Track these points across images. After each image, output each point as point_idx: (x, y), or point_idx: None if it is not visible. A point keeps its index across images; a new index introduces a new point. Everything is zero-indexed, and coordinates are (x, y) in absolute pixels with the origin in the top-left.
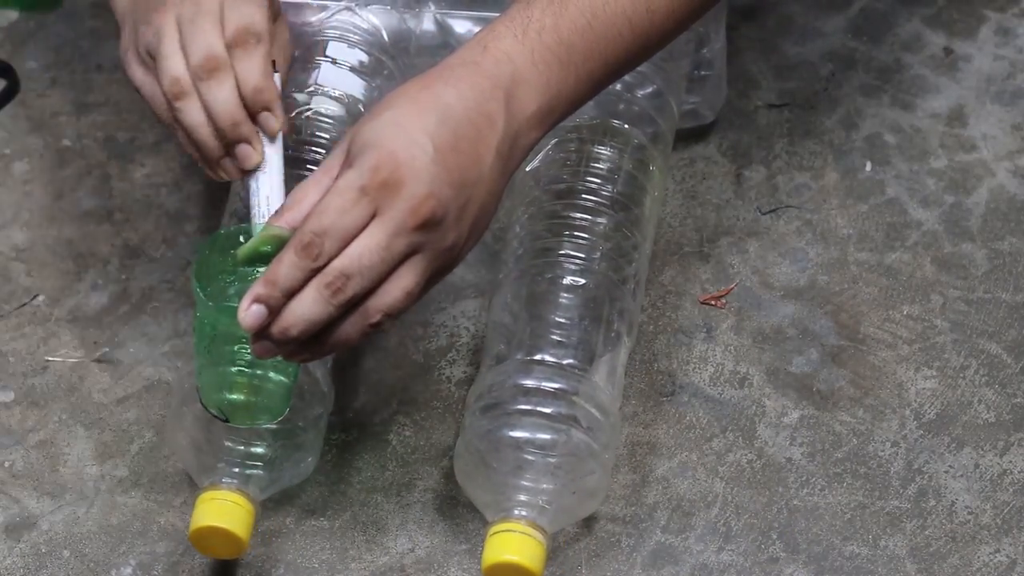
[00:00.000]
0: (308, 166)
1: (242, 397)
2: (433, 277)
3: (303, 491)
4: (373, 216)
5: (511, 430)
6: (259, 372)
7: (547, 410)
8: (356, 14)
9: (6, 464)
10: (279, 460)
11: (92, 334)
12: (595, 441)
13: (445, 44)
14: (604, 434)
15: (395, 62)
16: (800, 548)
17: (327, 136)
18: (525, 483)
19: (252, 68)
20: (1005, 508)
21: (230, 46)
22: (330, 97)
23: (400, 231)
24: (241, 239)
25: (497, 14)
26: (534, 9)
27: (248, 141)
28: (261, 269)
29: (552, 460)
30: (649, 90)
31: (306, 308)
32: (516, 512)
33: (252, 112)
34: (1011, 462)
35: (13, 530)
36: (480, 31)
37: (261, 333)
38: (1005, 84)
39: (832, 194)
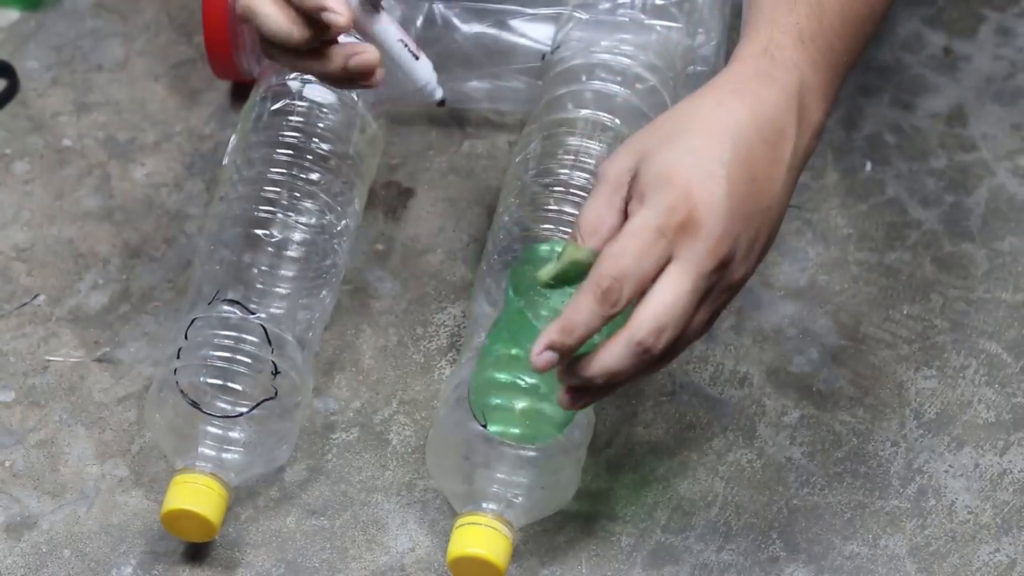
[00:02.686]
0: (300, 153)
1: (514, 428)
2: (717, 312)
3: (304, 490)
4: (669, 258)
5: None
6: (536, 406)
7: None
8: None
9: (7, 464)
10: (254, 445)
11: (93, 334)
12: (568, 437)
13: (447, 38)
14: (578, 431)
15: None
16: (800, 547)
17: (321, 125)
18: (496, 476)
19: None
20: (1005, 507)
21: None
22: (323, 85)
23: (701, 275)
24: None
25: (499, 7)
26: (799, 15)
27: (323, 9)
28: (570, 290)
29: (524, 454)
30: (644, 87)
31: (614, 361)
32: (484, 505)
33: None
34: (1011, 461)
35: (14, 529)
36: (750, 37)
37: (569, 377)
38: (1005, 84)
39: (832, 194)
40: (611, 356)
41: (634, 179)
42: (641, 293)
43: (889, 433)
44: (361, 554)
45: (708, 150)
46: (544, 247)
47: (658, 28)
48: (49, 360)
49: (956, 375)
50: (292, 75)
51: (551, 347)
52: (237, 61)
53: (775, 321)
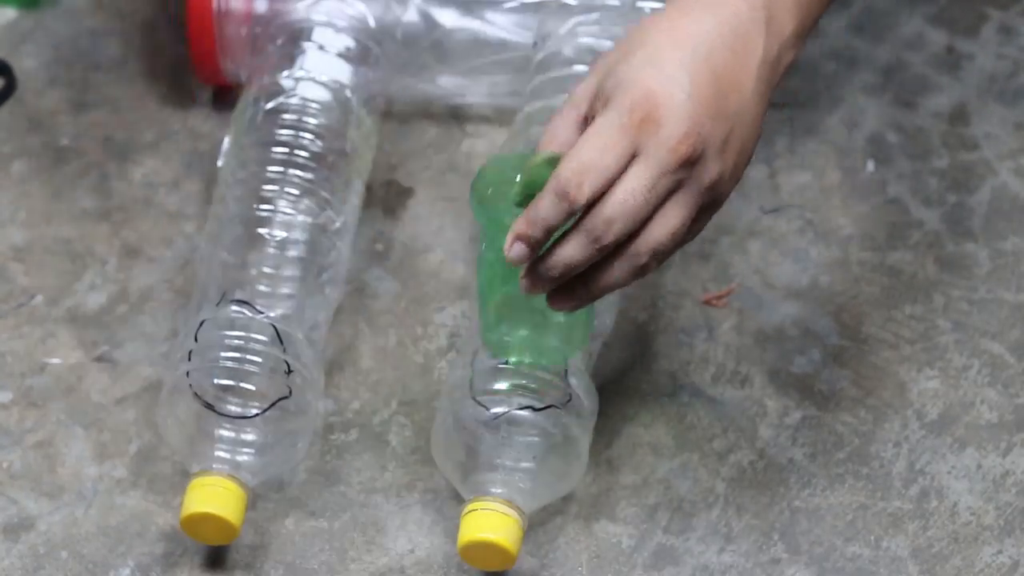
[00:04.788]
0: (296, 151)
1: (526, 332)
2: (700, 214)
3: (302, 492)
4: (632, 156)
5: (493, 407)
6: (542, 326)
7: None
8: (343, 0)
9: (4, 465)
10: (270, 445)
11: (90, 334)
12: (575, 422)
13: (429, 33)
14: (585, 416)
15: (381, 48)
16: (802, 549)
17: (314, 122)
18: (503, 461)
19: None
20: (1008, 509)
21: None
22: (316, 83)
23: (663, 171)
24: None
25: (482, 5)
26: None
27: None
28: None
29: (530, 439)
30: None
31: (567, 252)
32: (493, 490)
33: None
34: (1013, 463)
35: (11, 531)
36: None
37: (531, 267)
38: (1008, 83)
39: (834, 193)
40: (566, 246)
41: (597, 96)
42: (605, 189)
43: (891, 434)
44: (360, 556)
45: (668, 55)
46: (492, 162)
47: (647, 11)
48: (47, 361)
49: (959, 376)
50: (285, 73)
51: (519, 238)
52: (222, 65)
53: (776, 321)
